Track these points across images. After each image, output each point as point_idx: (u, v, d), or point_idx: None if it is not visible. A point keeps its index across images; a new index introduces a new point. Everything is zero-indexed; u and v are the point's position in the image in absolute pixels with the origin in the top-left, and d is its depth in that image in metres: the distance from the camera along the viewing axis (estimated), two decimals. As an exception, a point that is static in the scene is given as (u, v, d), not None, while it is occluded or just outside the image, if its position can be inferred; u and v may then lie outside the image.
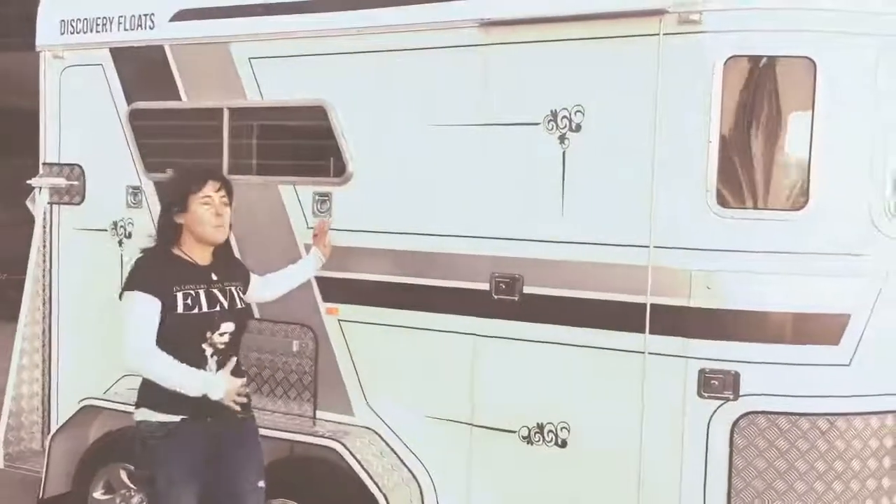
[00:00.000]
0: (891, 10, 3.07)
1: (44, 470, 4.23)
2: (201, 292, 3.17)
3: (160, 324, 3.10)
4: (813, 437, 3.14)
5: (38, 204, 4.55)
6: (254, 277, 3.49)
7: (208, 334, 3.15)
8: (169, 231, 3.23)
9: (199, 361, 3.14)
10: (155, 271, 3.17)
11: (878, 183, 3.12)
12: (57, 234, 4.55)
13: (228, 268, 3.32)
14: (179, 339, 3.11)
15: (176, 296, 3.12)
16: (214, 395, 3.06)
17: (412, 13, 3.60)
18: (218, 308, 3.18)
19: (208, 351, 3.15)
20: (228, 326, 3.19)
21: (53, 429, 4.50)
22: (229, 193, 3.28)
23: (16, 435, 4.51)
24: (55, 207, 4.54)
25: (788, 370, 3.14)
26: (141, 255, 3.30)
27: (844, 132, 3.10)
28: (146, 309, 3.09)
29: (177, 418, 3.11)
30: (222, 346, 3.18)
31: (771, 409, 3.14)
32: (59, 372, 4.58)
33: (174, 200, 3.21)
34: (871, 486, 3.20)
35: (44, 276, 4.55)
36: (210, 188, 3.20)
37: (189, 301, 3.13)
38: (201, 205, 3.18)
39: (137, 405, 3.22)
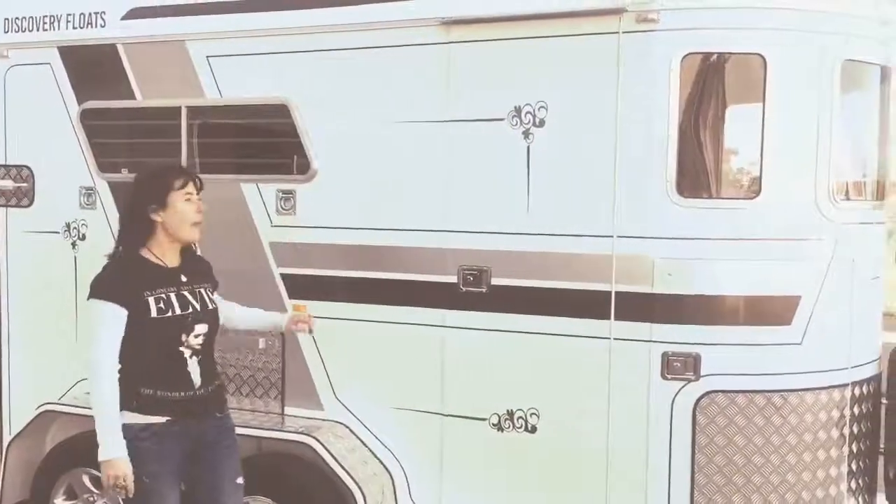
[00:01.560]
0: (836, 9, 3.27)
1: (0, 478, 4.14)
2: (172, 295, 3.15)
3: (132, 330, 3.07)
4: (769, 412, 3.33)
5: (-16, 207, 4.44)
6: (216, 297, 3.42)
7: (183, 337, 3.14)
8: (140, 231, 3.18)
9: (180, 363, 3.14)
10: (122, 277, 3.13)
11: (823, 173, 3.32)
12: (5, 238, 4.44)
13: (196, 269, 3.30)
14: (155, 343, 3.11)
15: (147, 300, 3.09)
16: (101, 457, 3.01)
17: (374, 12, 3.65)
18: (190, 310, 3.17)
19: (186, 353, 3.16)
20: (202, 328, 3.19)
21: (6, 436, 4.41)
22: (200, 191, 3.27)
23: (-32, 444, 4.40)
24: (2, 210, 4.43)
25: (745, 350, 3.33)
26: (108, 260, 3.25)
27: (793, 125, 3.30)
28: (109, 319, 3.05)
29: (161, 419, 3.11)
30: (199, 347, 3.19)
31: (730, 387, 3.32)
32: (9, 378, 4.47)
33: (152, 198, 3.15)
34: (822, 456, 3.41)
35: (-8, 280, 4.45)
36: (190, 185, 3.19)
37: (162, 305, 3.11)
38: (185, 201, 3.15)
39: (121, 408, 3.13)
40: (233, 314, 3.48)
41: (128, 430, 3.10)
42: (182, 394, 3.14)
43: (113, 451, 3.01)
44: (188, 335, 3.15)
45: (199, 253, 3.41)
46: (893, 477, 3.62)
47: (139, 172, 3.40)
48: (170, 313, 3.12)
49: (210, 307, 3.27)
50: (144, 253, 3.19)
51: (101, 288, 3.10)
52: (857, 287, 3.41)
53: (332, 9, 3.72)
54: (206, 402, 3.21)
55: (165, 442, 3.12)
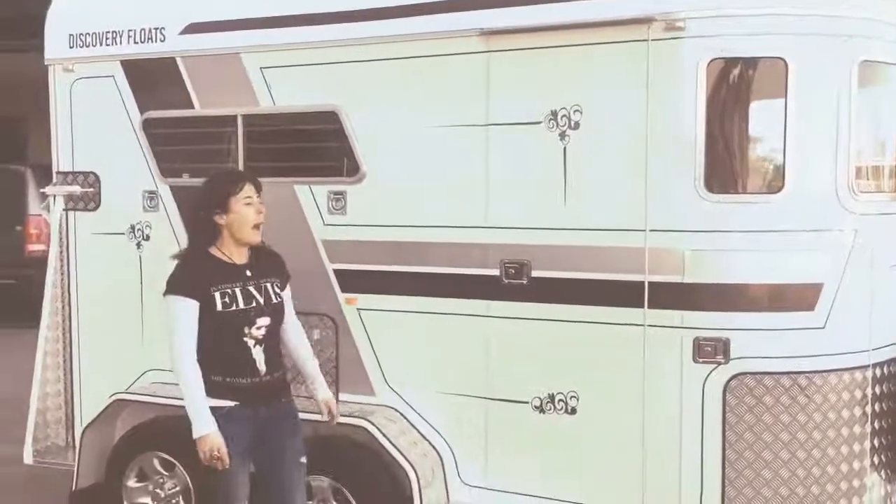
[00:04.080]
0: (853, 14, 3.48)
1: (76, 463, 4.46)
2: (237, 290, 3.43)
3: (203, 321, 3.38)
4: (794, 392, 3.55)
5: (54, 211, 4.75)
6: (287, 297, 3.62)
7: (246, 329, 3.42)
8: (207, 232, 3.47)
9: (244, 353, 3.43)
10: (192, 273, 3.44)
11: (843, 168, 3.53)
12: (74, 240, 4.75)
13: (264, 265, 3.55)
14: (221, 334, 3.41)
15: (213, 295, 3.39)
16: (194, 434, 3.30)
17: (418, 24, 3.90)
18: (254, 304, 3.45)
19: (251, 343, 3.44)
20: (264, 321, 3.46)
21: (77, 424, 4.74)
22: (259, 195, 3.53)
23: (42, 432, 4.72)
24: (70, 214, 4.74)
25: (772, 335, 3.55)
26: (179, 258, 3.55)
27: (814, 124, 3.50)
28: (184, 312, 3.37)
29: (230, 403, 3.40)
30: (261, 337, 3.46)
31: (757, 370, 3.54)
32: (80, 371, 4.79)
33: (215, 203, 3.44)
34: (845, 433, 3.63)
35: (62, 280, 4.75)
36: (249, 189, 3.46)
37: (227, 299, 3.40)
38: (245, 205, 3.43)
39: None
40: (293, 333, 3.65)
41: None
42: (249, 380, 3.43)
43: (205, 427, 3.31)
44: (251, 327, 3.43)
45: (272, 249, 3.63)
46: (914, 452, 3.83)
47: (205, 179, 3.69)
48: (234, 307, 3.40)
49: (274, 301, 3.52)
50: (213, 251, 3.49)
51: (174, 284, 3.42)
52: (876, 274, 3.62)
53: (378, 21, 3.97)
54: (271, 388, 3.49)
55: (234, 424, 3.40)
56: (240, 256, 3.51)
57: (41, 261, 10.02)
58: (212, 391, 3.40)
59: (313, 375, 3.68)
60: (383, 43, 3.96)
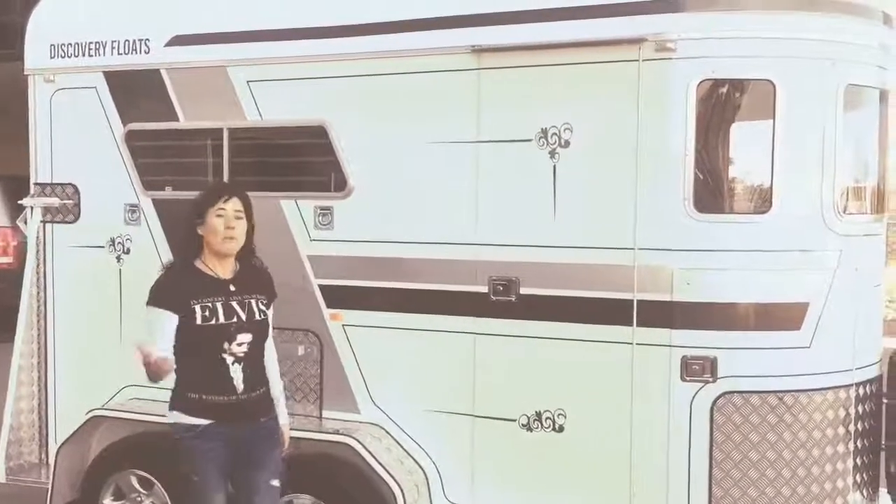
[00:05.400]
0: (839, 38, 3.55)
1: (50, 481, 4.36)
2: (219, 304, 3.39)
3: (182, 335, 3.34)
4: (780, 411, 3.58)
5: (31, 223, 4.66)
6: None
7: (225, 345, 3.37)
8: (191, 244, 3.46)
9: (223, 369, 3.38)
10: (174, 285, 3.41)
11: (829, 189, 3.59)
12: (51, 253, 4.66)
13: (250, 281, 3.51)
14: (199, 348, 3.37)
15: (194, 308, 3.35)
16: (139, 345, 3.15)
17: (408, 40, 3.90)
18: (235, 319, 3.39)
19: (229, 360, 3.39)
20: (245, 337, 3.40)
21: (52, 441, 4.63)
22: (246, 208, 3.48)
23: (16, 449, 4.61)
24: (48, 226, 4.66)
25: (758, 354, 3.58)
26: (164, 268, 3.54)
27: (800, 145, 3.56)
28: (162, 324, 3.33)
29: (205, 421, 3.36)
30: (241, 355, 3.40)
31: (745, 388, 3.57)
32: (55, 387, 4.69)
33: (196, 213, 3.44)
34: (829, 451, 3.67)
35: (38, 293, 4.66)
36: (222, 202, 3.41)
37: (206, 313, 3.36)
38: (216, 216, 3.39)
39: (170, 408, 3.45)
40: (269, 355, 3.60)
41: (176, 428, 3.39)
42: (225, 398, 3.38)
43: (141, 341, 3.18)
44: (230, 343, 3.37)
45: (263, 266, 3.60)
46: (895, 471, 3.88)
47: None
48: (213, 321, 3.36)
49: (257, 318, 3.47)
50: (198, 264, 3.46)
51: (156, 295, 3.39)
52: (860, 294, 3.68)
53: (367, 37, 3.97)
54: (248, 406, 3.43)
55: (210, 442, 3.36)
56: (224, 271, 3.47)
57: (5, 274, 9.91)
58: (188, 408, 3.37)
59: (276, 398, 3.62)
60: (374, 58, 3.96)
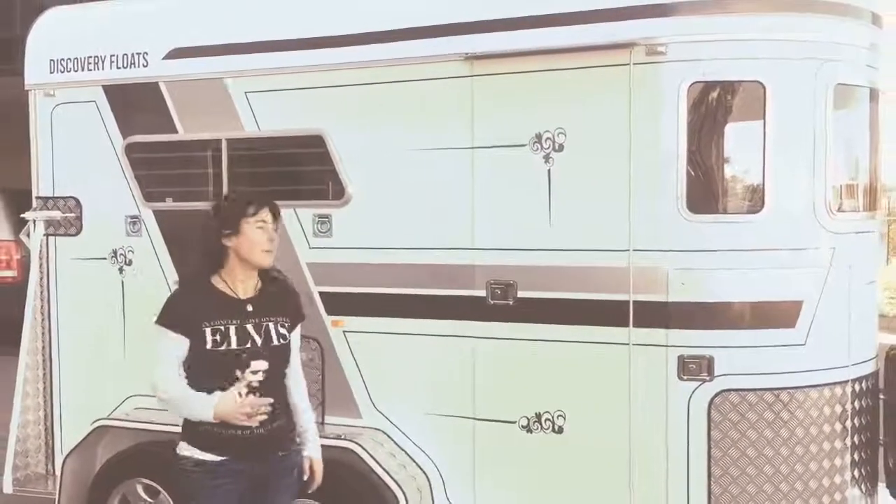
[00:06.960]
0: (829, 39, 3.60)
1: (57, 491, 4.40)
2: (232, 328, 3.07)
3: (193, 359, 3.07)
4: (777, 408, 3.62)
5: (34, 237, 4.71)
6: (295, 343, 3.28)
7: (238, 373, 3.04)
8: (212, 258, 3.15)
9: None
10: (186, 306, 3.12)
11: (821, 187, 3.63)
12: (54, 265, 4.71)
13: (272, 301, 3.18)
14: (208, 375, 3.07)
15: (204, 332, 3.05)
16: (213, 417, 2.99)
17: (403, 48, 3.95)
18: (249, 345, 3.07)
19: (243, 390, 3.04)
20: (260, 364, 3.06)
21: (58, 452, 4.68)
22: (275, 217, 3.22)
23: (23, 460, 4.66)
24: (51, 239, 4.71)
25: (754, 352, 3.62)
26: (179, 283, 3.38)
27: (791, 145, 3.61)
28: (170, 348, 3.09)
29: (217, 458, 3.07)
30: (256, 385, 3.05)
31: (741, 386, 3.61)
32: (61, 397, 4.74)
33: (226, 223, 3.13)
34: (826, 447, 3.71)
35: (42, 305, 4.71)
36: (266, 213, 3.17)
37: (217, 337, 3.05)
38: (256, 228, 3.12)
39: (182, 439, 3.16)
40: (297, 384, 3.30)
41: (185, 461, 3.12)
42: (238, 432, 3.05)
43: (212, 407, 2.99)
44: (243, 371, 3.04)
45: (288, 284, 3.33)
46: (893, 466, 3.91)
47: (216, 200, 3.47)
48: (224, 346, 3.05)
49: (276, 343, 3.13)
50: (216, 280, 3.15)
51: (166, 315, 3.12)
52: (854, 291, 3.71)
53: (362, 46, 4.02)
54: (266, 441, 3.10)
55: (219, 479, 3.07)
56: (244, 289, 3.16)
57: (9, 287, 9.95)
58: (199, 442, 3.08)
59: (305, 428, 3.31)
60: (369, 67, 4.01)
